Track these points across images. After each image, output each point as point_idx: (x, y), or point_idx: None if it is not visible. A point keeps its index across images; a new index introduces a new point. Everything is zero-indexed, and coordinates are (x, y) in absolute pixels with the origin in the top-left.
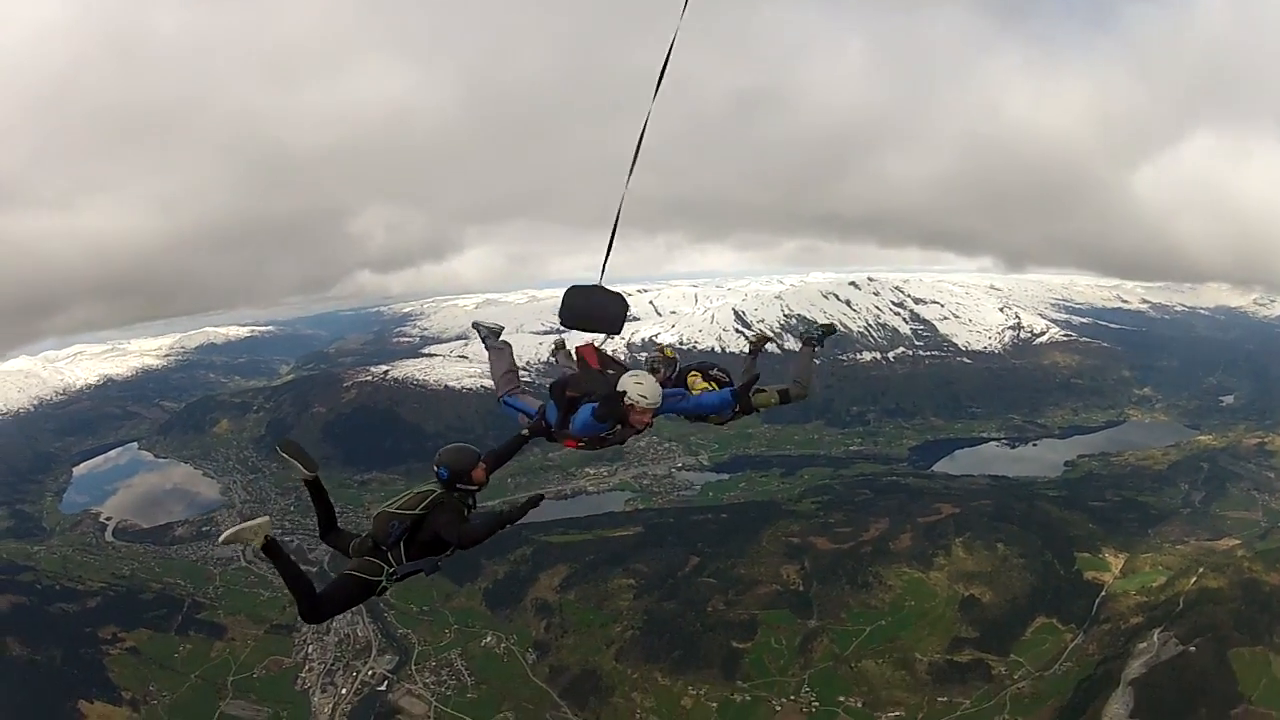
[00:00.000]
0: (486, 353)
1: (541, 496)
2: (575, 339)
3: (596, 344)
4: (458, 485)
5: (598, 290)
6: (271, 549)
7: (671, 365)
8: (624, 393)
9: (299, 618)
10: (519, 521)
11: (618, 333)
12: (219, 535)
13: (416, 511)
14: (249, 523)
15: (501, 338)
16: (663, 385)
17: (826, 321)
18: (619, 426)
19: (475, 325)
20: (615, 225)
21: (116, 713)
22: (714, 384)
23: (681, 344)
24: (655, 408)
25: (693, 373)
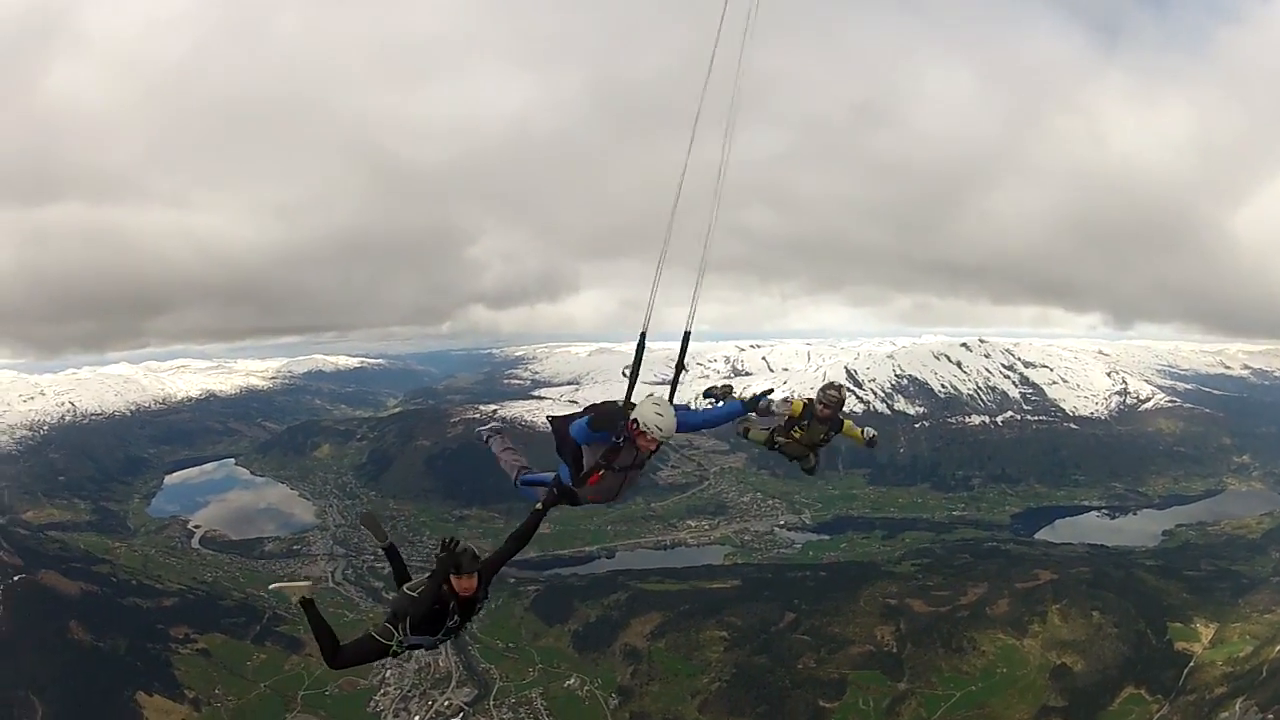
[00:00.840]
0: (494, 450)
1: (435, 643)
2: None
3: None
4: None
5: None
6: (308, 606)
7: (840, 406)
8: (636, 421)
9: (325, 663)
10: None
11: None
12: (272, 584)
13: (415, 595)
14: (296, 583)
15: (497, 428)
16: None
17: (725, 383)
18: (620, 440)
19: (478, 434)
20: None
21: (176, 708)
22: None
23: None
24: (665, 438)
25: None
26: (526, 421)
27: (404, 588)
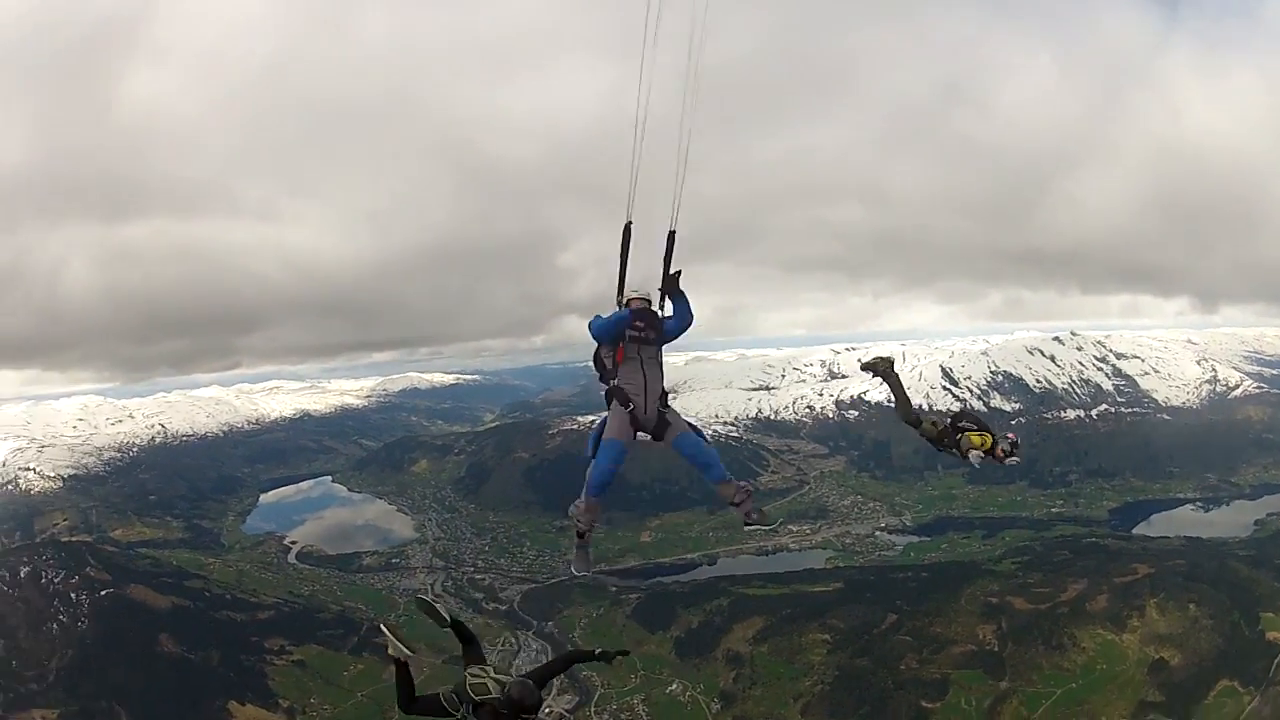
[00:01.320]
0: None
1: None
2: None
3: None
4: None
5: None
6: (400, 665)
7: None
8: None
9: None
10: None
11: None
12: (383, 630)
13: (477, 699)
14: (404, 646)
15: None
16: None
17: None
18: (639, 324)
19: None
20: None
21: (269, 717)
22: (986, 435)
23: (890, 402)
24: (644, 295)
25: (966, 429)
26: None
27: (470, 673)
